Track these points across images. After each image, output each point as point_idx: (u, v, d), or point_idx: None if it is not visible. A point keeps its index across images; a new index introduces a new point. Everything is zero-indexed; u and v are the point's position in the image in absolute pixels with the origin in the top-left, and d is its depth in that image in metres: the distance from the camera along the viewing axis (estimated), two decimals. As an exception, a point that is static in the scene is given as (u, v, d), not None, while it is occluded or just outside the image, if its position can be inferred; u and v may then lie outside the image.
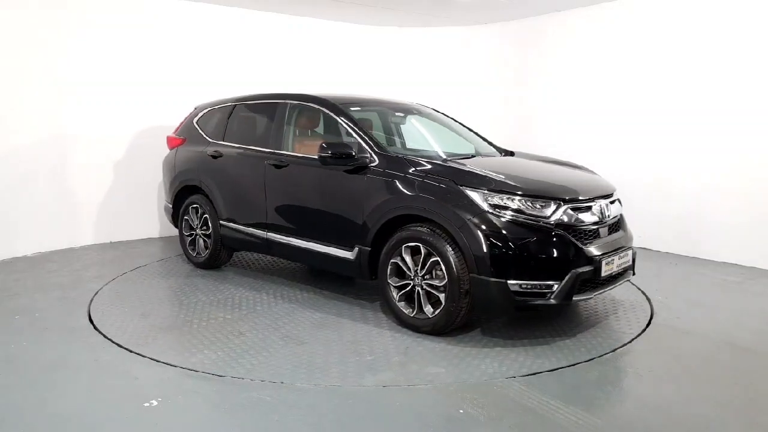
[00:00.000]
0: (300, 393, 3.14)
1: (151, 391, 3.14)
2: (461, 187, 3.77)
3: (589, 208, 3.92)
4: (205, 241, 5.51)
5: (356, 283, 5.14)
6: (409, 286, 3.96)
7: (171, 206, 5.86)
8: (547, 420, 2.86)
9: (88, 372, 3.42)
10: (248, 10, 7.31)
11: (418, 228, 3.88)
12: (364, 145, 4.28)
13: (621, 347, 3.79)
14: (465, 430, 2.78)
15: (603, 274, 3.78)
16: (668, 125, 6.33)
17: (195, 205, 5.56)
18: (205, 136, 5.56)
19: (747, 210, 5.76)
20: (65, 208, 6.37)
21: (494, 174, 3.89)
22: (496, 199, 3.69)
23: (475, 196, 3.71)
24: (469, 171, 3.92)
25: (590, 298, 3.86)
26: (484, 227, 3.61)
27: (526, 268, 3.58)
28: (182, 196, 5.73)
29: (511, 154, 5.04)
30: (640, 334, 4.01)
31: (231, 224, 5.21)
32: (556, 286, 3.60)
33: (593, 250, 3.78)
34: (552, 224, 3.68)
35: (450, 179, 3.84)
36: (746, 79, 5.69)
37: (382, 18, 7.74)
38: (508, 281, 3.56)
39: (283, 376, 3.33)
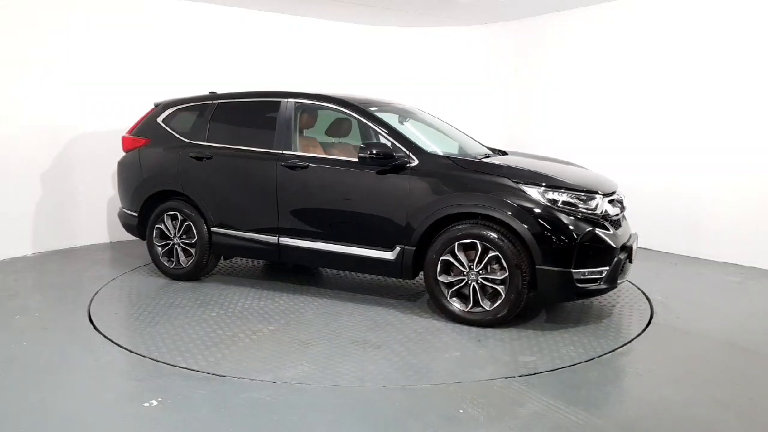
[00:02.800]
0: (299, 393, 3.14)
1: (151, 391, 3.14)
2: (519, 184, 3.97)
3: (613, 201, 4.26)
4: (186, 250, 5.10)
5: (363, 281, 5.15)
6: (463, 282, 4.07)
7: (136, 215, 5.28)
8: (547, 420, 2.86)
9: (88, 372, 3.42)
10: (248, 10, 7.32)
11: (472, 224, 4.01)
12: (398, 144, 4.29)
13: (621, 347, 3.79)
14: (465, 430, 2.78)
15: (632, 258, 4.21)
16: (668, 125, 6.33)
17: (172, 212, 5.09)
18: (178, 136, 5.12)
19: (747, 210, 5.76)
20: (65, 208, 6.38)
21: (544, 171, 4.13)
22: (552, 195, 3.94)
23: (533, 192, 3.94)
24: (523, 168, 4.15)
25: (624, 281, 4.22)
26: (548, 221, 3.86)
27: (585, 257, 3.88)
28: (151, 203, 5.22)
29: (504, 153, 5.05)
30: (640, 334, 4.01)
31: (227, 231, 4.88)
32: (605, 272, 3.93)
33: (623, 237, 4.16)
34: (599, 216, 4.01)
35: (505, 177, 4.03)
36: (747, 78, 5.69)
37: (382, 18, 7.74)
38: (572, 270, 3.83)
39: (397, 380, 3.30)
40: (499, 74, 8.20)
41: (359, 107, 4.61)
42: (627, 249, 4.12)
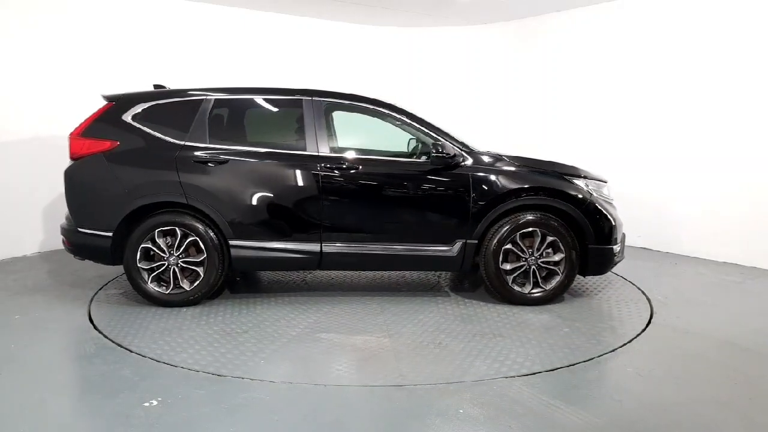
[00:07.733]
0: (300, 393, 3.14)
1: (151, 391, 3.14)
2: (568, 177, 4.52)
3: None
4: (188, 270, 4.46)
5: (364, 280, 5.15)
6: (522, 268, 4.49)
7: (110, 235, 4.39)
8: (547, 420, 2.86)
9: (88, 372, 3.42)
10: (248, 10, 7.32)
11: (532, 214, 4.42)
12: (450, 144, 4.49)
13: (621, 347, 3.79)
14: (465, 430, 2.79)
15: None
16: (669, 125, 6.33)
17: (167, 228, 4.39)
18: (162, 136, 4.44)
19: (747, 210, 5.76)
20: (65, 208, 6.35)
21: (573, 165, 4.69)
22: (590, 184, 4.56)
23: (581, 183, 4.53)
24: (563, 163, 4.69)
25: None
26: (597, 208, 4.47)
27: (616, 234, 4.55)
28: (130, 219, 4.44)
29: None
30: (640, 334, 4.02)
31: (252, 243, 4.42)
32: (620, 246, 4.65)
33: None
34: (611, 200, 4.73)
35: (554, 171, 4.55)
36: (748, 79, 5.69)
37: (382, 18, 7.74)
38: (613, 247, 4.52)
39: (556, 362, 3.53)
40: (498, 74, 8.20)
41: (397, 107, 4.65)
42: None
